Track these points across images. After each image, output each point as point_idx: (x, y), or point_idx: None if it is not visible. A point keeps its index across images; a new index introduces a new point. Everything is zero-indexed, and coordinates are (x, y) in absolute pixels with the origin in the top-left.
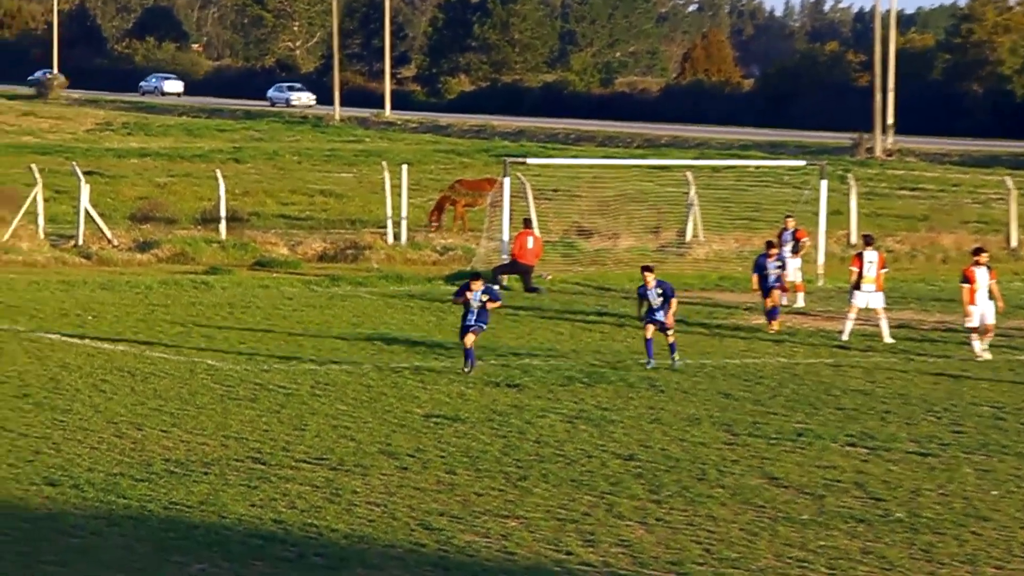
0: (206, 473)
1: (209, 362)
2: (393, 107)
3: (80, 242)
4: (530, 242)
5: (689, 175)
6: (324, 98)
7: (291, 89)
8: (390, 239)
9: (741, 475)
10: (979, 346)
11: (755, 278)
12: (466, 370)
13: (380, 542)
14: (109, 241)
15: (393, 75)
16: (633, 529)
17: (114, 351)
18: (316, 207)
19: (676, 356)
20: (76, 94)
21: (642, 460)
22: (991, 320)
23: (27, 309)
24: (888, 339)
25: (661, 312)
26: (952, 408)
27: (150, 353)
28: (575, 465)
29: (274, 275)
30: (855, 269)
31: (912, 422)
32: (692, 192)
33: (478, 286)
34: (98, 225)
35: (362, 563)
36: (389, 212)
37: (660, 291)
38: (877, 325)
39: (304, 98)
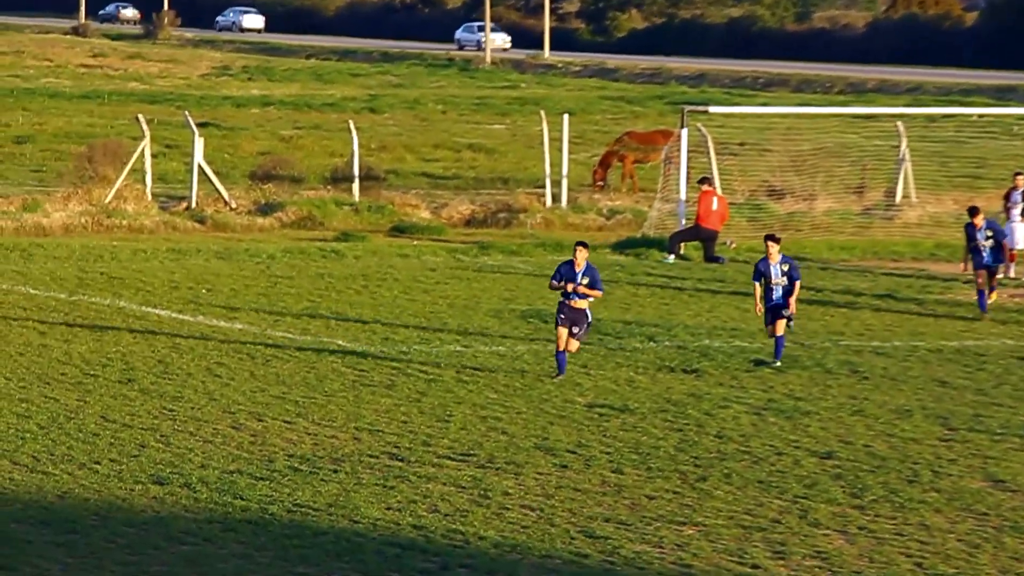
0: (336, 471)
1: (340, 343)
2: (553, 47)
3: (193, 204)
4: (715, 203)
5: (900, 125)
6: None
7: (481, 30)
8: (548, 201)
9: (959, 477)
10: None
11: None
12: (559, 376)
13: (535, 552)
14: (226, 203)
15: (553, 10)
16: (831, 539)
17: (231, 330)
18: (463, 164)
19: (779, 360)
20: (189, 33)
21: (842, 459)
22: None
23: (132, 281)
24: None
25: (783, 295)
26: None
27: (272, 332)
28: (763, 464)
29: (415, 242)
30: None
31: None
32: (903, 145)
33: (582, 258)
34: (214, 185)
35: None
36: (548, 170)
37: (786, 267)
38: None
39: (499, 40)
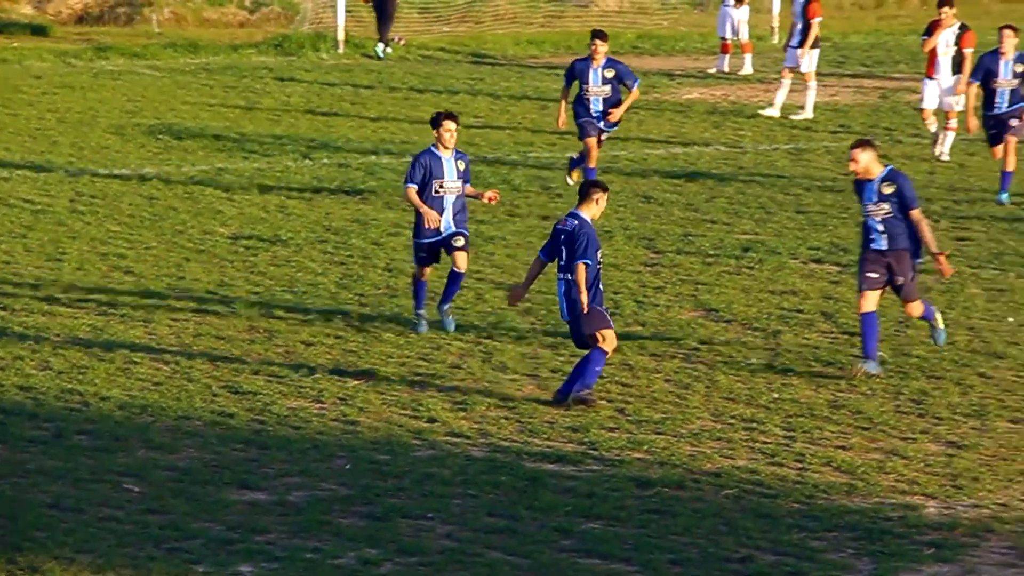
0: None
1: None
2: None
3: None
4: None
5: None
6: None
7: None
8: None
9: (667, 307)
10: (936, 139)
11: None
12: (420, 313)
13: (170, 412)
14: None
15: None
16: (520, 384)
17: None
18: None
19: None
20: None
21: (531, 290)
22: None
23: None
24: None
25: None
26: (953, 207)
27: None
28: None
29: (14, 44)
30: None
31: None
32: None
33: (452, 134)
34: None
35: (145, 442)
36: None
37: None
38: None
39: None
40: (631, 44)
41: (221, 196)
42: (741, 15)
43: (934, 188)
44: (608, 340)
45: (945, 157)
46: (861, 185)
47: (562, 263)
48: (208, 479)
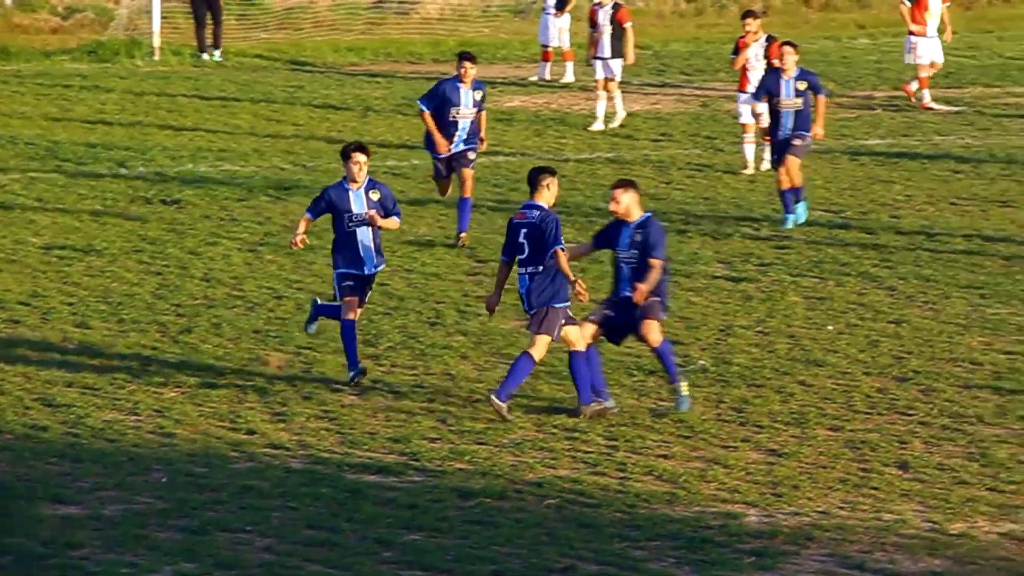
0: None
1: None
2: None
3: None
4: None
5: None
6: None
7: None
8: None
9: (489, 317)
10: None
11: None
12: (356, 372)
13: None
14: None
15: None
16: (341, 396)
17: None
18: None
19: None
20: None
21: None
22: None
23: None
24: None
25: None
26: (775, 213)
27: None
28: (259, 310)
29: None
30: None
31: (720, 235)
32: None
33: (361, 167)
34: None
35: None
36: None
37: (479, 95)
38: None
39: None
40: (452, 52)
41: (34, 205)
42: (562, 23)
43: (754, 197)
44: (539, 347)
45: (765, 165)
46: (618, 228)
47: (522, 257)
48: (20, 494)
